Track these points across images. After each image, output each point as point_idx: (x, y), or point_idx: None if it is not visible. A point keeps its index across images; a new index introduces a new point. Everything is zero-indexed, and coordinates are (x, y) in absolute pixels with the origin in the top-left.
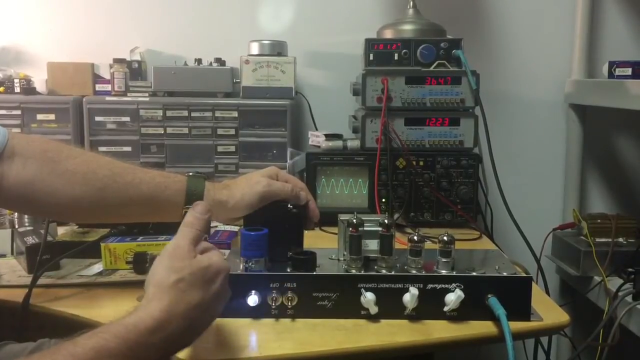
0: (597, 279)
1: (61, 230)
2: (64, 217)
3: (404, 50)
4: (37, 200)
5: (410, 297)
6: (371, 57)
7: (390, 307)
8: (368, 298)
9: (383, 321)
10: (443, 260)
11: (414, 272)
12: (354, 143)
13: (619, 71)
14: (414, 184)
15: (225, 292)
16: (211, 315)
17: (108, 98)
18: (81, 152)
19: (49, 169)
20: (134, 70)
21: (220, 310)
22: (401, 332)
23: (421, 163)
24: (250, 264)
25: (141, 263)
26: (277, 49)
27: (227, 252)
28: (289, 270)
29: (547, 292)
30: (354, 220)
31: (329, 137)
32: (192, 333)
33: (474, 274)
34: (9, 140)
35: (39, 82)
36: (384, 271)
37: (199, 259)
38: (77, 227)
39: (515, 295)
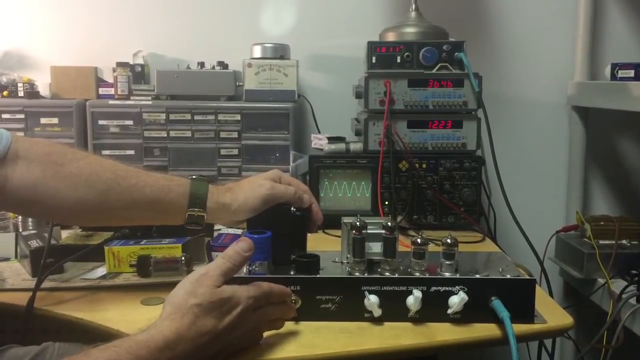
0: (601, 281)
1: (65, 234)
2: (67, 220)
3: (407, 53)
4: (40, 203)
5: (413, 299)
6: (374, 60)
7: (393, 310)
8: (371, 301)
9: (386, 324)
10: (446, 262)
11: (417, 274)
12: (356, 146)
13: (621, 73)
14: (417, 187)
15: (243, 326)
16: (223, 345)
17: (111, 102)
18: (85, 155)
19: (52, 172)
20: (137, 74)
21: (234, 343)
22: (405, 335)
23: (424, 165)
24: (253, 267)
25: (145, 266)
26: (280, 52)
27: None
28: (292, 273)
29: (551, 295)
30: (357, 223)
31: (331, 139)
32: (201, 348)
33: (478, 276)
34: (13, 144)
35: (43, 86)
36: (387, 274)
37: (222, 288)
38: (80, 230)
39: (519, 297)
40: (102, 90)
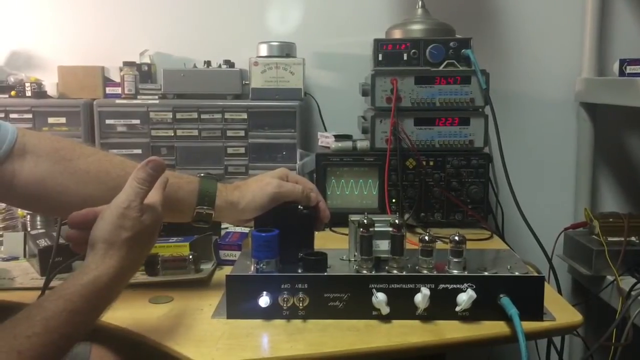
0: (610, 278)
1: None
2: None
3: (413, 50)
4: (49, 198)
5: (421, 297)
6: (380, 58)
7: (401, 308)
8: (379, 298)
9: (395, 322)
10: (454, 260)
11: (425, 272)
12: (363, 144)
13: (630, 69)
14: (424, 184)
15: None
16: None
17: (118, 101)
18: (94, 151)
19: (61, 168)
20: (144, 73)
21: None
22: (413, 333)
23: (431, 163)
24: (261, 265)
25: (152, 265)
26: (286, 50)
27: (238, 253)
28: (300, 271)
29: (560, 292)
30: (365, 221)
31: (338, 137)
32: (137, 269)
33: (486, 273)
34: (20, 138)
35: (50, 85)
36: (395, 271)
37: (145, 217)
38: None
39: (528, 295)
40: (109, 90)
